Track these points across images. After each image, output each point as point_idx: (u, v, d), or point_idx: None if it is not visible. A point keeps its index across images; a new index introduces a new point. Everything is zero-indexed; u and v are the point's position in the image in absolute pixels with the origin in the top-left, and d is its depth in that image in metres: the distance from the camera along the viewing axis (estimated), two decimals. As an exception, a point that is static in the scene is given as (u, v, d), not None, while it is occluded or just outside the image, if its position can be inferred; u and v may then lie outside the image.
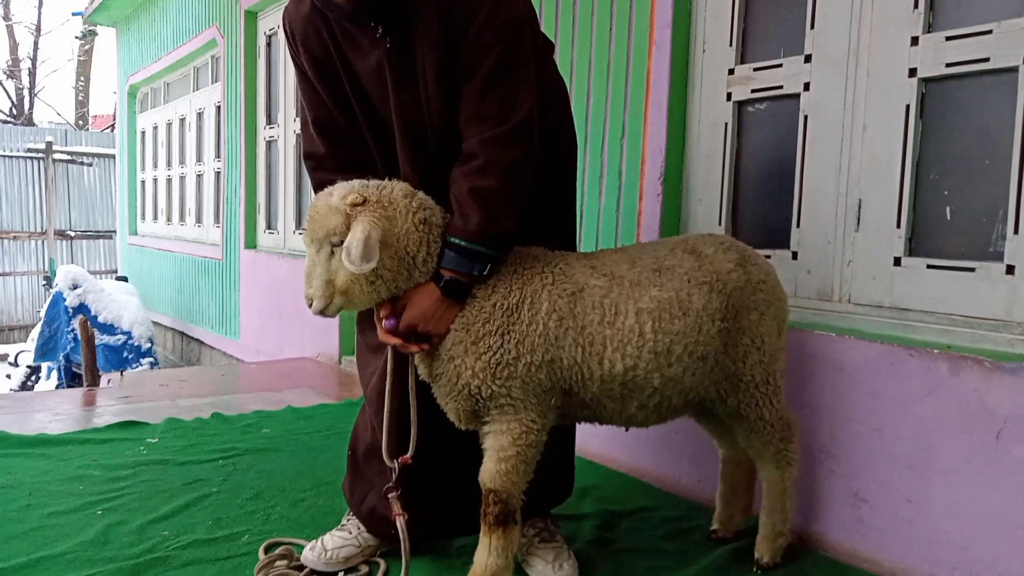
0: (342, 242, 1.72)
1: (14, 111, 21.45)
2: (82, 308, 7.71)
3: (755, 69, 2.70)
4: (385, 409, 1.97)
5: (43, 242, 13.62)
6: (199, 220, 8.13)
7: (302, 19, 1.96)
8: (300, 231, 6.02)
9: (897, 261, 2.29)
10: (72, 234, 13.83)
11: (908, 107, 2.25)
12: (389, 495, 1.95)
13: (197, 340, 7.89)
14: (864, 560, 2.21)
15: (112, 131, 15.71)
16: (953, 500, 2.02)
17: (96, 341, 5.77)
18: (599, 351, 1.81)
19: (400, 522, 1.90)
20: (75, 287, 7.81)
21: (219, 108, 7.27)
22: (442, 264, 1.79)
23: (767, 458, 2.09)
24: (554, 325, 1.80)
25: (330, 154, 2.03)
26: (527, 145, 1.83)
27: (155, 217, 9.46)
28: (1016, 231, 2.03)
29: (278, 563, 2.10)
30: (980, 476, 1.97)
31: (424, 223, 1.78)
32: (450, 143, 1.88)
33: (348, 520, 2.23)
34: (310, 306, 1.78)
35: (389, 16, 1.84)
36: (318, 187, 2.02)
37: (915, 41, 2.23)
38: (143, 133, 9.87)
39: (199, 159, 8.09)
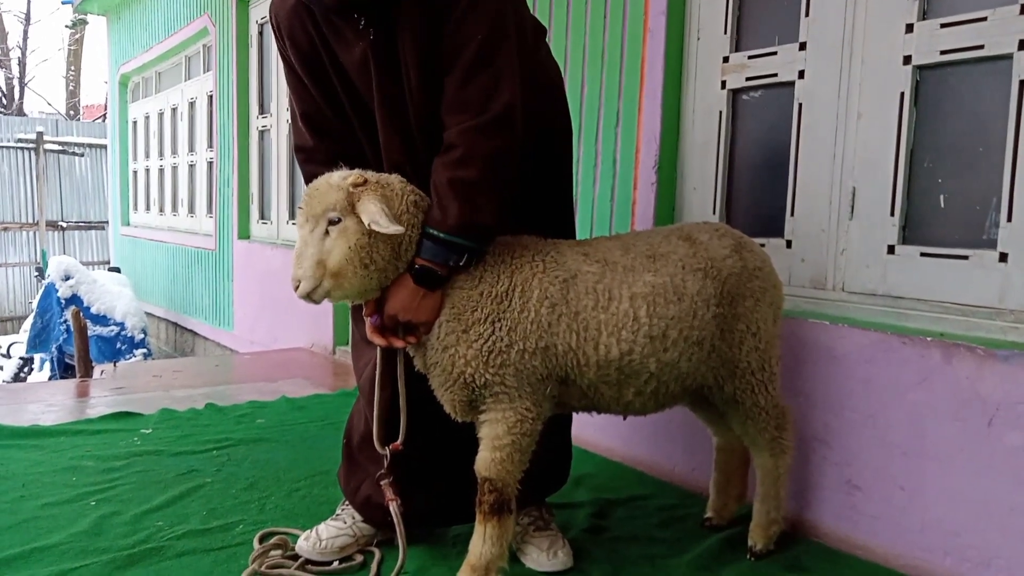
0: (339, 220, 1.73)
1: (4, 101, 21.29)
2: (74, 299, 7.65)
3: (750, 57, 2.70)
4: (375, 398, 1.98)
5: (35, 233, 13.54)
6: (192, 210, 8.09)
7: (287, 12, 1.96)
8: (294, 221, 6.00)
9: (891, 249, 2.29)
10: (64, 225, 13.74)
11: (903, 95, 2.25)
12: (381, 482, 1.96)
13: (191, 331, 7.86)
14: (857, 547, 2.22)
15: (103, 121, 15.59)
16: (945, 487, 2.03)
17: (89, 332, 5.75)
18: (594, 336, 1.82)
19: (393, 507, 1.92)
20: (67, 278, 7.76)
21: (211, 97, 7.23)
22: (419, 253, 1.79)
23: (761, 445, 2.10)
24: (546, 312, 1.80)
25: (319, 147, 2.02)
26: (509, 134, 1.81)
27: (147, 207, 9.41)
28: (1009, 219, 2.03)
29: (272, 553, 2.10)
30: (972, 463, 1.98)
31: (415, 206, 1.80)
32: (434, 133, 1.87)
33: (343, 509, 2.23)
34: (296, 288, 1.76)
35: (371, 8, 1.83)
36: (309, 180, 2.01)
37: (910, 28, 2.23)
38: (135, 123, 9.81)
39: (191, 149, 8.05)
